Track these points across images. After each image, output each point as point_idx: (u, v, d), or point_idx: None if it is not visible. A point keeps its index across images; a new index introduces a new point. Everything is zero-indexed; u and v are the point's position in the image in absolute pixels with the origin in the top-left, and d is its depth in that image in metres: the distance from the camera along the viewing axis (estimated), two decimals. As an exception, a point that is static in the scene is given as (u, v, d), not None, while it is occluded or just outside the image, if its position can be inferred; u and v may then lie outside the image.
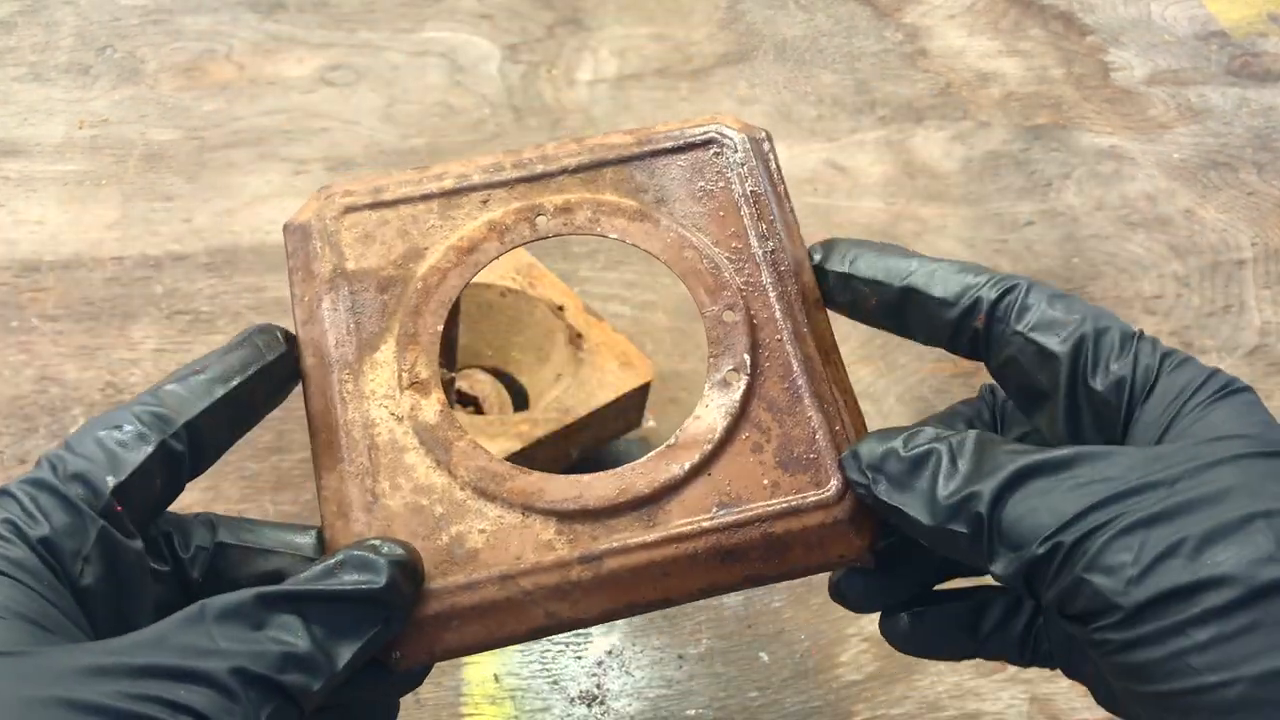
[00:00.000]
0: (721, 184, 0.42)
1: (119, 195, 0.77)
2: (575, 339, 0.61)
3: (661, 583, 0.36)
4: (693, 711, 0.55)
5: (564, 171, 0.42)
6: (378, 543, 0.33)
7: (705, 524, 0.36)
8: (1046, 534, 0.31)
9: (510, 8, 0.95)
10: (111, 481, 0.32)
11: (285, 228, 0.40)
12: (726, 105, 0.88)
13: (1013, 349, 0.36)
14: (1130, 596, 0.29)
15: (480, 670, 0.55)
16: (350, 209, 0.40)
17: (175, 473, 0.34)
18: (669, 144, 0.43)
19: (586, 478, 0.37)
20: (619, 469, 0.37)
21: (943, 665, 0.57)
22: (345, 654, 0.31)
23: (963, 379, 0.70)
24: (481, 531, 0.36)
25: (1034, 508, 0.31)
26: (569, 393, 0.58)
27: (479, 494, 0.36)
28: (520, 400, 0.63)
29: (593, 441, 0.60)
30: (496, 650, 0.56)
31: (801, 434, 0.37)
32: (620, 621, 0.57)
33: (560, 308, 0.62)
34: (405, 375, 0.38)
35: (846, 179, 0.83)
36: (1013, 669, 0.57)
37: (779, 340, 0.39)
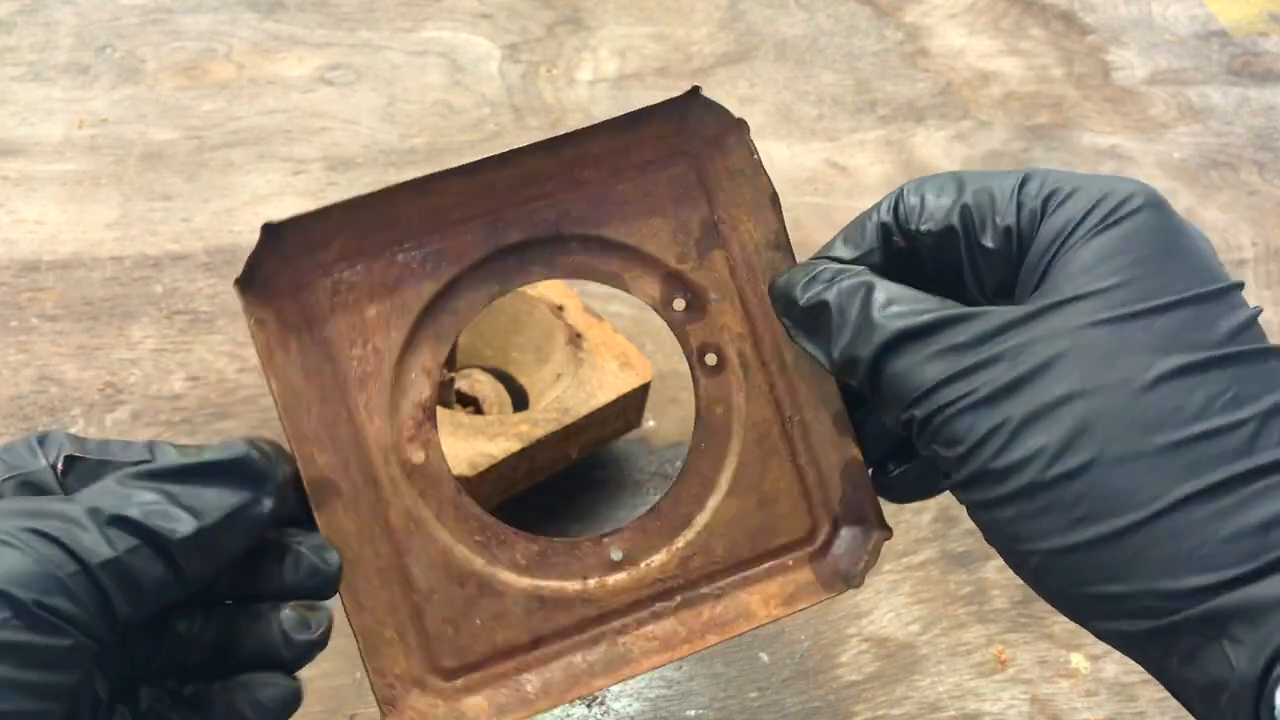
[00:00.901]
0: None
1: (118, 195, 0.77)
2: (575, 339, 0.61)
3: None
4: (693, 712, 0.55)
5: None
6: (249, 435, 0.35)
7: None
8: (907, 404, 0.34)
9: (510, 8, 0.94)
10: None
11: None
12: (727, 105, 0.87)
13: (925, 247, 0.37)
14: (961, 471, 0.33)
15: (480, 670, 0.55)
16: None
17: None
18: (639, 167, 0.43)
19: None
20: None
21: (943, 665, 0.57)
22: (214, 513, 0.32)
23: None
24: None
25: (900, 374, 0.35)
26: (569, 393, 0.58)
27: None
28: (520, 400, 0.63)
29: (593, 441, 0.60)
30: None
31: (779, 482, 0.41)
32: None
33: (560, 308, 0.62)
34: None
35: (847, 178, 0.83)
36: (1013, 669, 0.57)
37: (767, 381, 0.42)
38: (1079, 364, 0.32)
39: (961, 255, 0.36)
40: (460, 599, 0.38)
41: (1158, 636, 0.30)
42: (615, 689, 0.55)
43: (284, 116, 0.83)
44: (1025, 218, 0.35)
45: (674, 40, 0.93)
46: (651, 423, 0.65)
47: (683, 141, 0.42)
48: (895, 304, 0.35)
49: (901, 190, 0.38)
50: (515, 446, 0.55)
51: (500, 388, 0.63)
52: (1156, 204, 0.33)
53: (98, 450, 0.34)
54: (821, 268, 0.38)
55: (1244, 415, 0.30)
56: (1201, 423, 0.30)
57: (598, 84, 0.88)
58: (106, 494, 0.31)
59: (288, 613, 0.35)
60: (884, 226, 0.38)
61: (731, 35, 0.94)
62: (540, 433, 0.56)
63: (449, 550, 0.38)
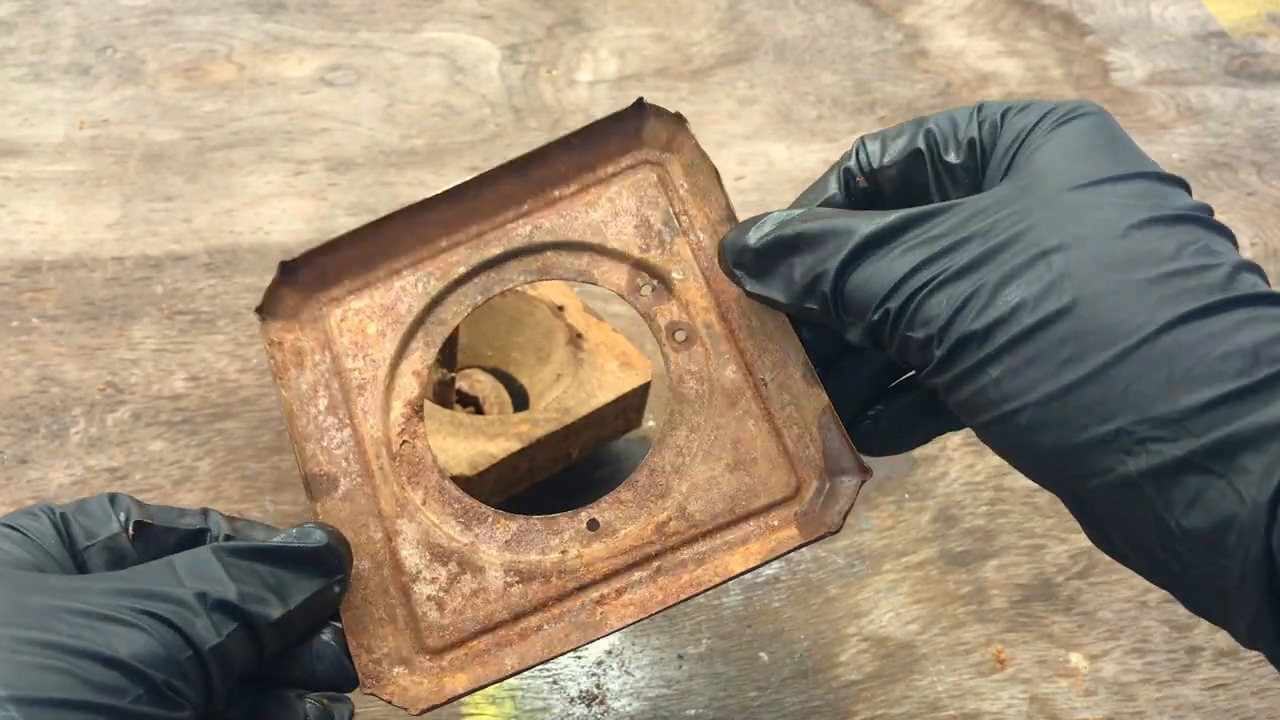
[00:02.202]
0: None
1: (119, 195, 0.77)
2: (575, 339, 0.61)
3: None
4: (693, 711, 0.55)
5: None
6: (310, 523, 0.38)
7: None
8: (877, 301, 0.34)
9: (510, 8, 0.95)
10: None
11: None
12: (726, 105, 0.88)
13: (886, 181, 0.38)
14: (941, 345, 0.33)
15: (480, 670, 0.55)
16: None
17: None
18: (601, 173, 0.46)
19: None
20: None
21: (942, 665, 0.57)
22: (297, 596, 0.35)
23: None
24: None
25: (868, 277, 0.34)
26: (569, 393, 0.58)
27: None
28: (520, 400, 0.63)
29: (593, 441, 0.60)
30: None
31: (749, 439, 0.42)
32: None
33: (560, 308, 0.62)
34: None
35: (846, 179, 0.83)
36: (1012, 669, 0.57)
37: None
38: (1051, 226, 0.32)
39: (928, 178, 0.37)
40: (444, 577, 0.40)
41: (1158, 479, 0.29)
42: (615, 688, 0.55)
43: (284, 117, 0.83)
44: (986, 130, 0.36)
45: (674, 41, 0.93)
46: (651, 423, 0.66)
47: (642, 151, 0.45)
48: (857, 217, 0.36)
49: (860, 140, 0.39)
50: (515, 446, 0.55)
51: (500, 388, 0.63)
52: (1102, 111, 0.35)
53: (161, 516, 0.37)
54: (767, 214, 0.39)
55: (1216, 261, 0.31)
56: (1177, 262, 0.31)
57: (598, 85, 0.89)
58: (206, 573, 0.34)
59: (312, 705, 0.38)
60: (846, 171, 0.39)
61: (731, 36, 0.94)
62: (540, 433, 0.56)
63: (432, 530, 0.41)
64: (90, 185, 0.77)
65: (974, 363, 0.32)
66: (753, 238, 0.38)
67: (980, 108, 0.37)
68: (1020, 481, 0.65)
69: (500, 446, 0.55)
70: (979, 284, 0.32)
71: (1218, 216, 0.88)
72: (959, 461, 0.65)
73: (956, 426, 0.40)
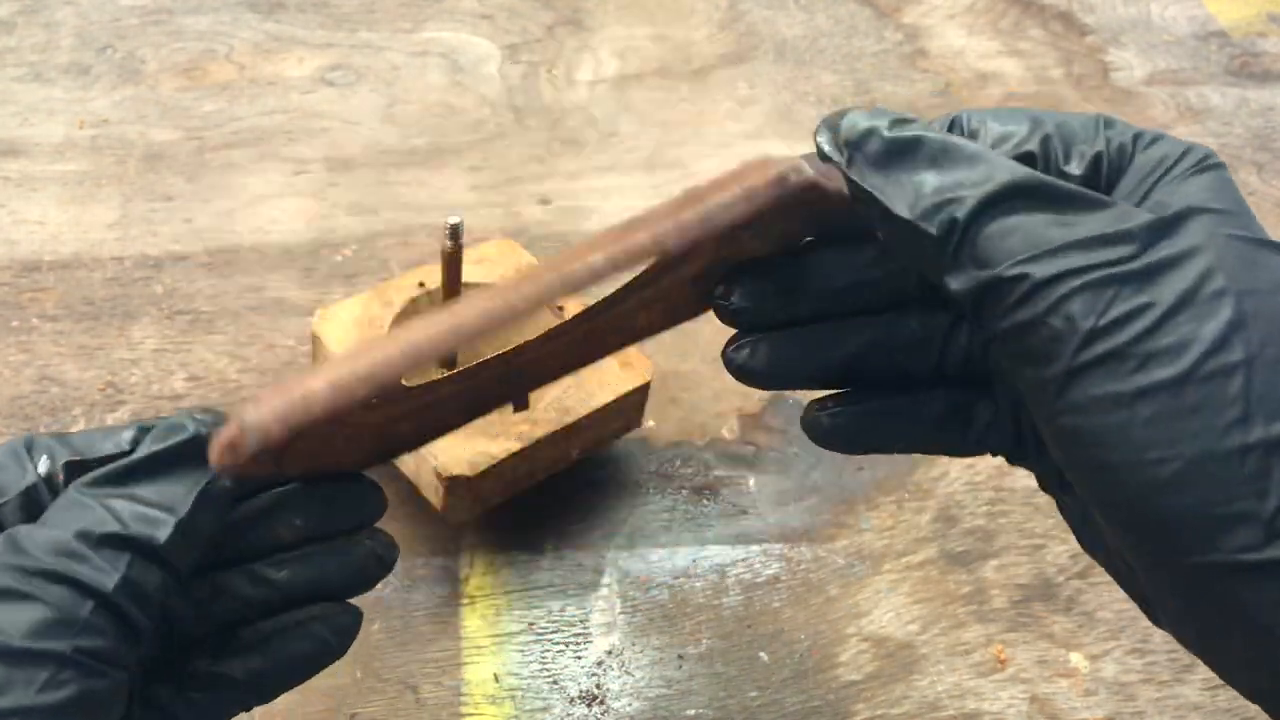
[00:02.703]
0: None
1: (119, 195, 0.77)
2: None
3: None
4: (693, 711, 0.55)
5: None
6: (181, 410, 0.34)
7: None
8: (1019, 258, 0.29)
9: (510, 8, 0.95)
10: None
11: None
12: (726, 105, 0.88)
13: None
14: (1087, 350, 0.28)
15: (480, 670, 0.55)
16: None
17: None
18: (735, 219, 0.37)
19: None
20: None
21: (942, 665, 0.57)
22: (185, 503, 0.31)
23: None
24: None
25: (1013, 228, 0.29)
26: (569, 393, 0.58)
27: None
28: (520, 400, 0.63)
29: (593, 441, 0.60)
30: (495, 649, 0.56)
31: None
32: (620, 621, 0.57)
33: (560, 308, 0.62)
34: None
35: (846, 179, 0.83)
36: (1013, 669, 0.57)
37: None
38: (1220, 264, 0.28)
39: None
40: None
41: None
42: (615, 689, 0.55)
43: (284, 117, 0.83)
44: (1115, 150, 0.32)
45: (674, 41, 0.93)
46: (651, 423, 0.66)
47: None
48: (1008, 160, 0.31)
49: (958, 114, 0.34)
50: (515, 446, 0.55)
51: (500, 388, 0.63)
52: (1225, 166, 0.32)
53: (85, 445, 0.33)
54: (911, 116, 0.33)
55: None
56: None
57: (598, 84, 0.89)
58: (79, 513, 0.30)
59: (378, 539, 0.35)
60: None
61: (731, 36, 0.94)
62: (540, 433, 0.56)
63: None
64: (90, 185, 0.77)
65: (1124, 390, 0.28)
66: (886, 125, 0.31)
67: (1108, 123, 0.33)
68: (1021, 481, 0.65)
69: (500, 446, 0.55)
70: (1150, 299, 0.28)
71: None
72: (959, 461, 0.65)
73: (924, 444, 0.38)
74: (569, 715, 0.55)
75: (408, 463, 0.56)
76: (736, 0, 0.97)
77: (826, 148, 0.33)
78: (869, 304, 0.37)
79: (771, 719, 0.55)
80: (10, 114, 0.81)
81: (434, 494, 0.55)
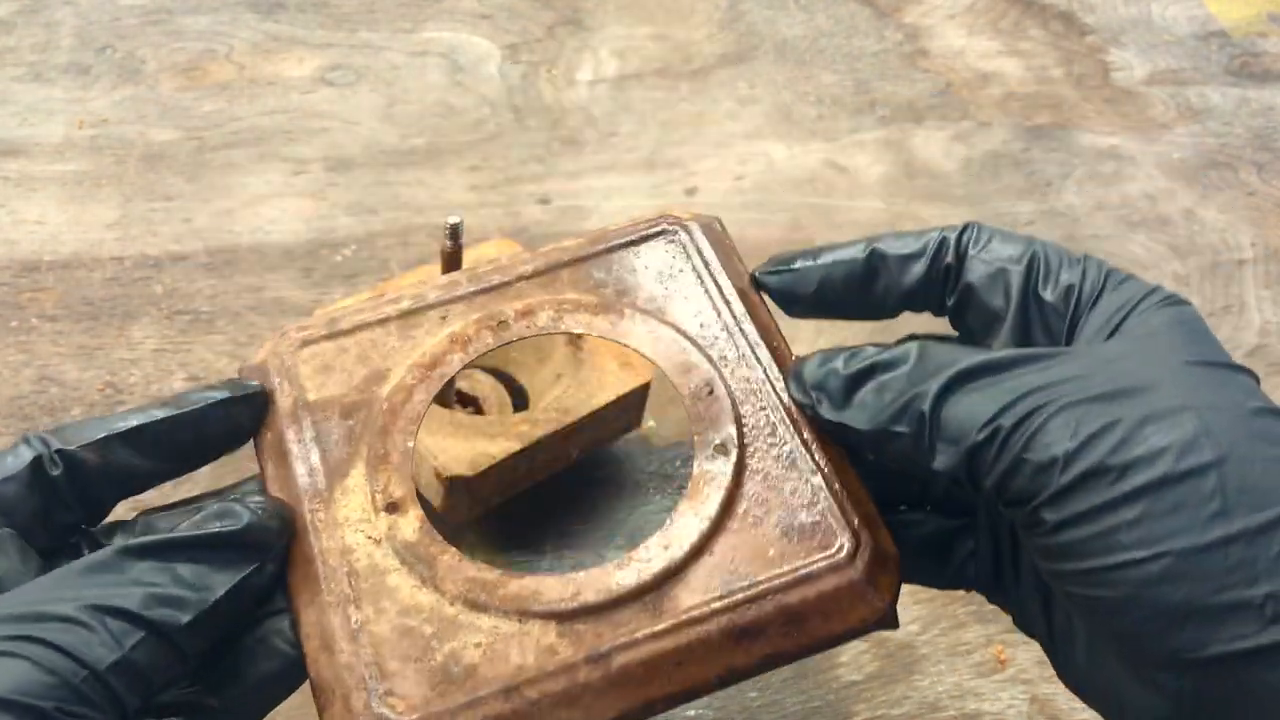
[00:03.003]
0: (681, 269, 0.42)
1: (119, 195, 0.77)
2: (575, 339, 0.61)
3: (677, 674, 0.34)
4: (693, 712, 0.55)
5: (520, 278, 0.41)
6: (242, 495, 0.35)
7: (715, 605, 0.34)
8: (986, 419, 0.31)
9: (510, 8, 0.95)
10: None
11: (242, 369, 0.40)
12: (726, 105, 0.88)
13: (972, 275, 0.37)
14: (1066, 472, 0.30)
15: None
16: (307, 342, 0.40)
17: (52, 489, 0.34)
18: (622, 239, 0.42)
19: (582, 574, 0.35)
20: (616, 561, 0.35)
21: (942, 665, 0.57)
22: (218, 589, 0.32)
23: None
24: (477, 645, 0.34)
25: (976, 400, 0.32)
26: (569, 393, 0.58)
27: (470, 606, 0.35)
28: (520, 400, 0.63)
29: (592, 441, 0.60)
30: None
31: (801, 500, 0.36)
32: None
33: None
34: (379, 497, 0.36)
35: (846, 179, 0.83)
36: (1013, 669, 0.57)
37: (763, 409, 0.38)
38: (1180, 387, 0.31)
39: (1008, 301, 0.36)
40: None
41: None
42: (615, 689, 0.55)
43: (284, 117, 0.83)
44: (1088, 284, 0.36)
45: (674, 40, 0.93)
46: (651, 423, 0.65)
47: None
48: (958, 350, 0.34)
49: (969, 226, 0.38)
50: (515, 446, 0.55)
51: (500, 388, 0.63)
52: (1192, 304, 0.36)
53: (78, 434, 0.34)
54: (860, 346, 0.36)
55: None
56: None
57: (598, 84, 0.89)
58: (106, 580, 0.31)
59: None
60: (943, 241, 0.38)
61: (731, 35, 0.94)
62: (540, 433, 0.56)
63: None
64: (90, 185, 0.77)
65: (1106, 499, 0.30)
66: (844, 364, 0.35)
67: (1084, 258, 0.36)
68: (1021, 481, 0.65)
69: (500, 446, 0.55)
70: (1115, 417, 0.30)
71: (1218, 216, 0.88)
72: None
73: (913, 576, 0.39)
74: (569, 715, 0.54)
75: (407, 463, 0.56)
76: (736, 0, 0.97)
77: (799, 397, 0.37)
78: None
79: (772, 719, 0.55)
80: (10, 114, 0.81)
81: (434, 494, 0.55)
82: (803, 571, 0.35)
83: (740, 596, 0.34)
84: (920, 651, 0.58)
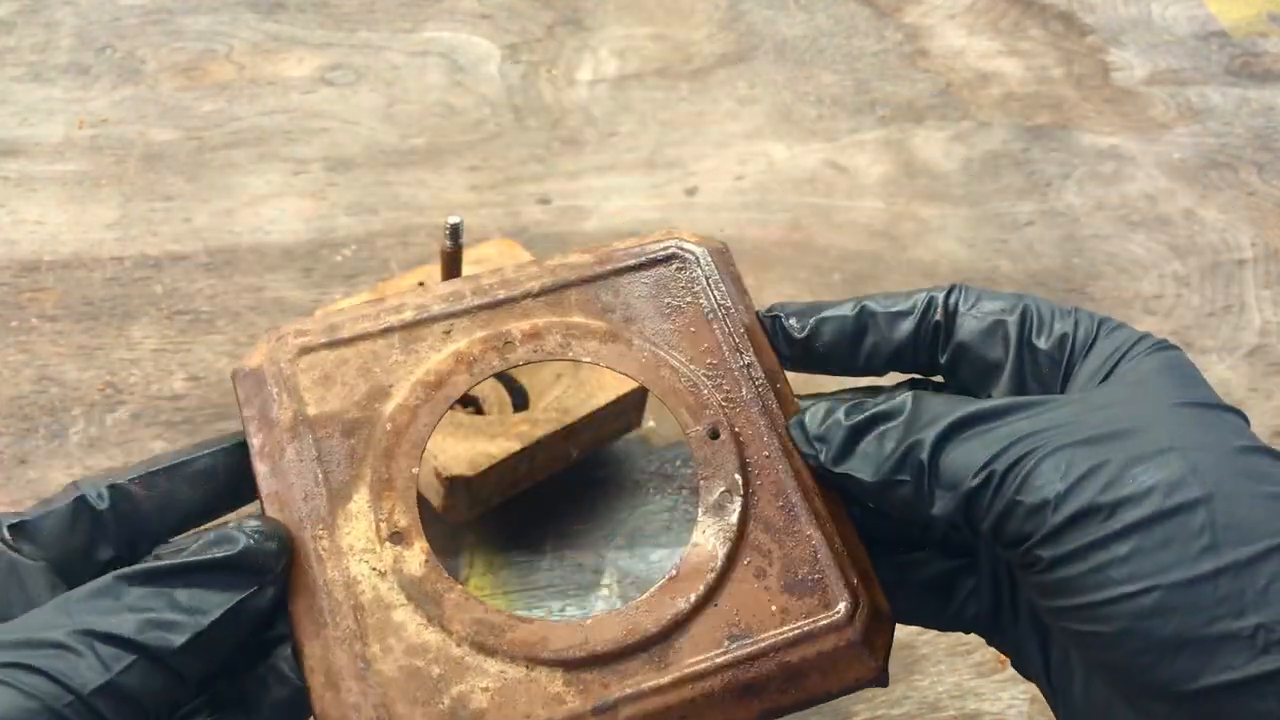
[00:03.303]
0: (689, 299, 0.41)
1: (119, 195, 0.77)
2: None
3: None
4: (693, 712, 0.55)
5: (527, 295, 0.40)
6: (240, 521, 0.35)
7: (719, 659, 0.34)
8: (981, 465, 0.33)
9: (510, 8, 0.95)
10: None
11: (235, 374, 0.38)
12: (726, 105, 0.88)
13: (964, 332, 0.38)
14: (1058, 512, 0.31)
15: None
16: (305, 350, 0.39)
17: (96, 524, 0.35)
18: (631, 261, 0.42)
19: (590, 621, 0.35)
20: (622, 609, 0.35)
21: (943, 665, 0.57)
22: (214, 612, 0.32)
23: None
24: (485, 690, 0.33)
25: (971, 447, 0.33)
26: (569, 393, 0.58)
27: (478, 649, 0.34)
28: (520, 400, 0.63)
29: (593, 441, 0.60)
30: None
31: (803, 554, 0.36)
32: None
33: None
34: (384, 525, 0.36)
35: (846, 179, 0.83)
36: (1012, 669, 0.57)
37: (767, 457, 0.38)
38: (1169, 429, 0.32)
39: (1004, 352, 0.37)
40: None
41: None
42: (615, 689, 0.55)
43: (284, 117, 0.83)
44: (1081, 333, 0.37)
45: (674, 40, 0.93)
46: (651, 423, 0.65)
47: None
48: (953, 400, 0.35)
49: (955, 287, 0.39)
50: (515, 446, 0.55)
51: (500, 388, 0.63)
52: (1181, 349, 0.37)
53: (130, 471, 0.35)
54: (860, 398, 0.37)
55: None
56: None
57: (598, 84, 0.89)
58: (98, 604, 0.31)
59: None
60: (931, 299, 0.39)
61: (731, 35, 0.94)
62: (540, 433, 0.56)
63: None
64: (90, 185, 0.77)
65: (1097, 537, 0.31)
66: (845, 415, 0.36)
67: (1075, 310, 0.38)
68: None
69: (500, 446, 0.55)
70: (1103, 459, 0.31)
71: (1218, 216, 0.88)
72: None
73: (910, 617, 0.40)
74: (569, 715, 0.54)
75: (407, 463, 0.56)
76: (736, 0, 0.97)
77: (803, 447, 0.37)
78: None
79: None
80: (10, 114, 0.81)
81: (434, 494, 0.55)
82: (805, 630, 0.35)
83: (744, 653, 0.35)
84: (920, 651, 0.58)
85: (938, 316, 0.39)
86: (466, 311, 0.40)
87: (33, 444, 0.63)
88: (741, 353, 0.40)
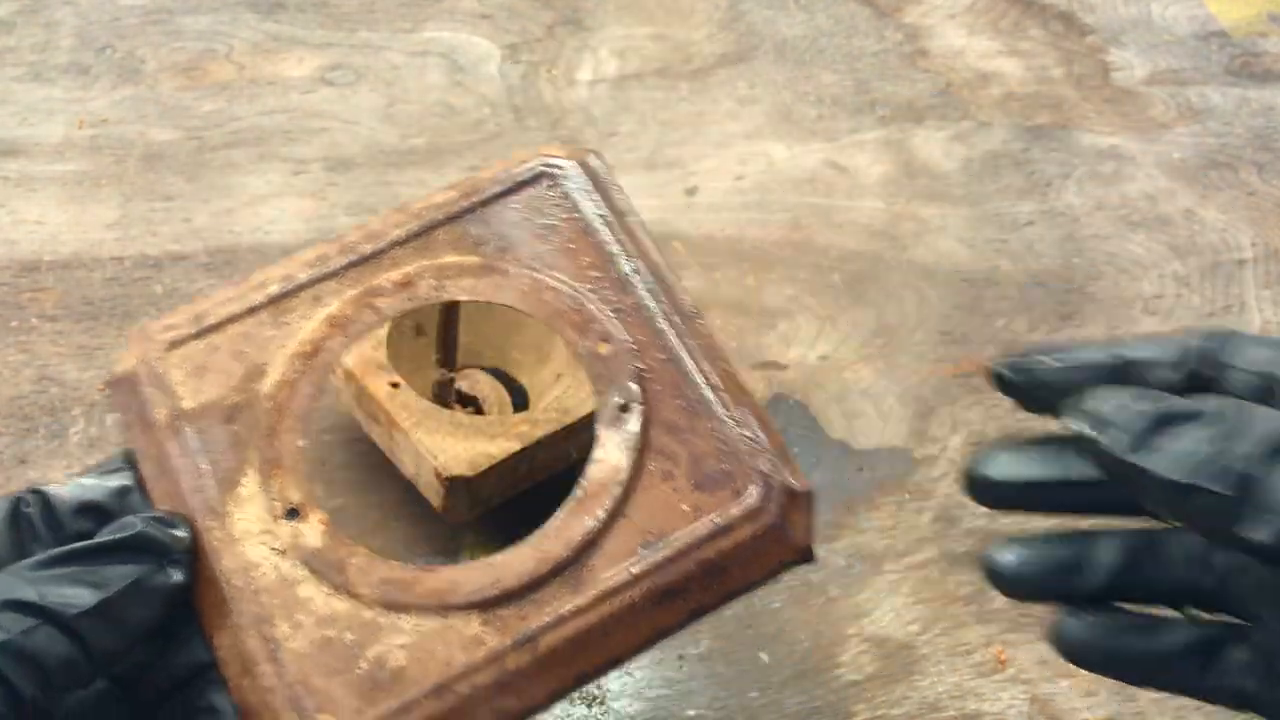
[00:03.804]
0: (563, 216, 0.40)
1: (119, 195, 0.77)
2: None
3: (605, 644, 0.34)
4: (693, 712, 0.55)
5: (394, 245, 0.39)
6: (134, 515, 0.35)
7: (635, 570, 0.34)
8: None
9: (510, 8, 0.94)
10: None
11: (107, 384, 0.38)
12: (726, 105, 0.88)
13: (1233, 386, 0.34)
14: None
15: (480, 670, 0.55)
16: (174, 344, 0.38)
17: (24, 529, 0.35)
18: (498, 189, 0.40)
19: (499, 557, 0.35)
20: (529, 538, 0.35)
21: (943, 665, 0.57)
22: (116, 584, 0.32)
23: (963, 380, 0.70)
24: (401, 646, 0.33)
25: None
26: (569, 393, 0.58)
27: (389, 607, 0.34)
28: (520, 400, 0.63)
29: (592, 441, 0.60)
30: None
31: (708, 448, 0.36)
32: (620, 622, 0.57)
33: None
34: (277, 504, 0.35)
35: (846, 179, 0.83)
36: (1013, 669, 0.57)
37: (663, 360, 0.37)
38: None
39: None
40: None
41: None
42: (615, 689, 0.55)
43: (284, 117, 0.83)
44: None
45: (674, 40, 0.93)
46: (651, 423, 0.65)
47: None
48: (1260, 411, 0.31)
49: (1233, 338, 0.35)
50: (515, 446, 0.55)
51: (500, 388, 0.63)
52: None
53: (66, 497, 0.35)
54: (1146, 388, 0.33)
55: None
56: None
57: (598, 84, 0.89)
58: (6, 581, 0.32)
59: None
60: (1202, 351, 0.34)
61: (731, 35, 0.94)
62: (540, 433, 0.56)
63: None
64: (90, 185, 0.77)
65: None
66: (1133, 399, 0.32)
67: None
68: (1021, 481, 0.65)
69: (500, 446, 0.55)
70: None
71: (1217, 216, 0.88)
72: (960, 462, 0.65)
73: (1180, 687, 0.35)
74: (569, 715, 0.54)
75: (407, 463, 0.56)
76: (736, 0, 0.97)
77: (1078, 427, 0.33)
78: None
79: (772, 719, 0.55)
80: (10, 114, 0.81)
81: (434, 494, 0.55)
82: (718, 524, 0.35)
83: (659, 558, 0.34)
84: (920, 651, 0.58)
85: (1209, 370, 0.34)
86: (334, 274, 0.39)
87: (33, 444, 0.63)
88: (627, 258, 0.39)
